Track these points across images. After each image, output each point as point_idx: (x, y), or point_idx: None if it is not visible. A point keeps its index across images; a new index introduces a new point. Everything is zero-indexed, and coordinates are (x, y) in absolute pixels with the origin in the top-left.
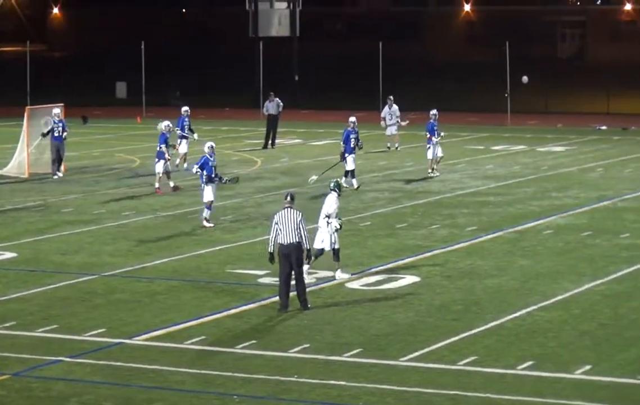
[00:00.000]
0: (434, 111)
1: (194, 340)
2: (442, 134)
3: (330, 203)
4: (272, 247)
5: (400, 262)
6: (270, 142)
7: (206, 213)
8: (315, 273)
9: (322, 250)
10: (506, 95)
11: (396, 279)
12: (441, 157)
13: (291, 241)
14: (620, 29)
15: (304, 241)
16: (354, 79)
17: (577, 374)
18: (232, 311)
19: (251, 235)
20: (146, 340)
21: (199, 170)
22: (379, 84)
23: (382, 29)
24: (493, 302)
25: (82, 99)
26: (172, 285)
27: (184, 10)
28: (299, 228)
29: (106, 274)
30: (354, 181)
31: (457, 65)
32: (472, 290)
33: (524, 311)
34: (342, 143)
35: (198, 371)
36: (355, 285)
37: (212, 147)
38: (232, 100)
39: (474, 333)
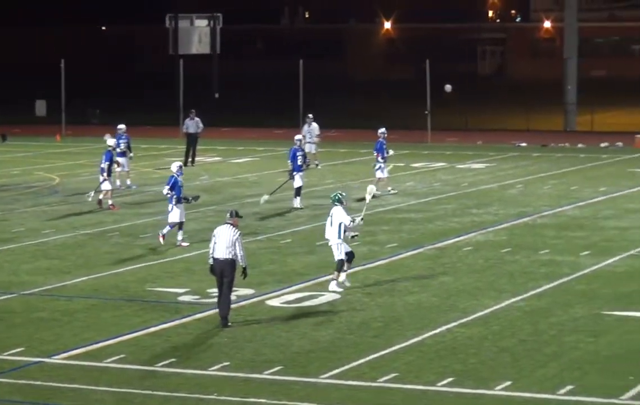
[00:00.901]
0: (383, 129)
1: (113, 358)
2: (390, 151)
3: (341, 215)
4: (211, 259)
5: (321, 280)
6: (190, 160)
7: (179, 235)
8: (236, 290)
9: (342, 261)
10: (426, 112)
11: (317, 297)
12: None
13: (224, 257)
14: (540, 46)
15: (240, 259)
16: (275, 97)
17: (497, 390)
18: (152, 329)
19: (171, 254)
20: (65, 359)
21: (169, 191)
22: (299, 102)
23: (302, 47)
24: (414, 319)
25: (1, 117)
26: (91, 304)
27: (103, 27)
28: (234, 246)
29: (25, 292)
30: (297, 200)
31: (377, 82)
32: (393, 307)
33: (444, 328)
34: (289, 161)
35: (118, 390)
36: (275, 302)
37: (180, 166)
38: (152, 118)
39: (395, 350)
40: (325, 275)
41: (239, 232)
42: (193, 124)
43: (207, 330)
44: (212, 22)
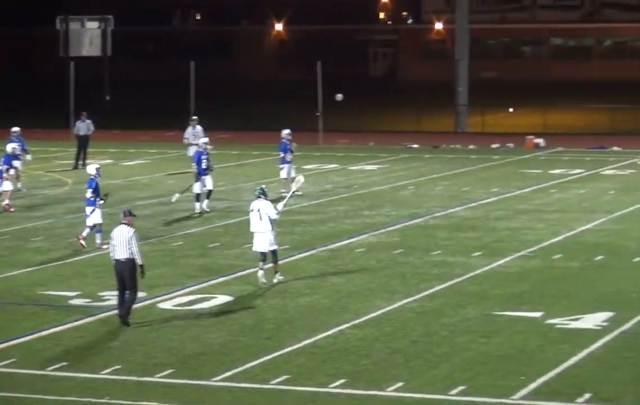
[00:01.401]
0: (288, 131)
1: (4, 363)
2: (294, 145)
3: (269, 207)
4: (113, 261)
5: (213, 282)
6: (81, 162)
7: (98, 237)
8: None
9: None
10: (318, 114)
11: (209, 299)
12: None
13: (122, 257)
14: (431, 48)
15: (137, 256)
16: (167, 99)
17: (389, 391)
18: (43, 333)
19: (62, 257)
20: None
21: (92, 194)
22: (190, 104)
23: (194, 48)
24: (306, 321)
25: None
26: None
27: None
28: (130, 244)
29: None
30: (202, 204)
31: (268, 84)
32: (285, 309)
33: (336, 329)
34: (194, 164)
35: (8, 394)
36: (167, 305)
37: (98, 168)
38: (43, 120)
39: (287, 352)
40: (217, 278)
41: (133, 230)
42: (84, 126)
43: (99, 333)
44: (103, 24)
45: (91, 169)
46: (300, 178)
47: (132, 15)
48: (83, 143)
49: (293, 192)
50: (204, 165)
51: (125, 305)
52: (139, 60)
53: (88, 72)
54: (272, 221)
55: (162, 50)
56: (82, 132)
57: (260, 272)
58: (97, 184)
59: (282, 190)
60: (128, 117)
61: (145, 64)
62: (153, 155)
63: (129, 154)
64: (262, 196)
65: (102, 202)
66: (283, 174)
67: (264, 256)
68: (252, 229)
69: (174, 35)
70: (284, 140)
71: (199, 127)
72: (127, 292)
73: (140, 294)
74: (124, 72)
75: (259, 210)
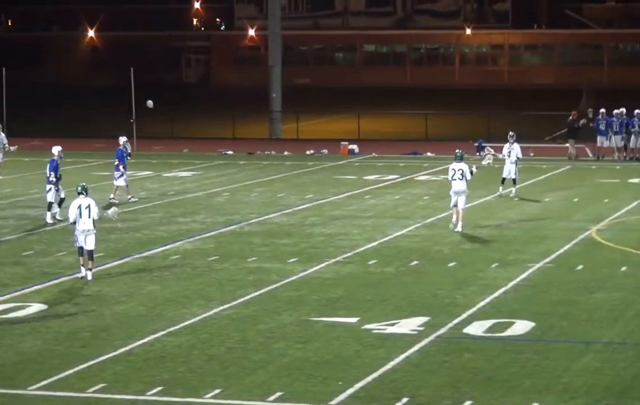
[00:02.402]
0: (124, 138)
1: None
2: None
3: (94, 205)
4: None
5: (27, 290)
6: None
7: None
8: None
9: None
10: (131, 120)
11: (23, 308)
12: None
13: None
14: (245, 54)
15: None
16: None
17: (207, 398)
18: None
19: None
20: None
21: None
22: (2, 111)
23: (4, 55)
24: (121, 328)
25: None
26: None
27: None
28: None
29: None
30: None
31: (81, 90)
32: (101, 317)
33: (152, 337)
34: (50, 172)
35: None
36: None
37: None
38: None
39: (103, 360)
40: (31, 286)
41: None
42: None
43: None
44: None
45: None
46: (116, 209)
47: None
48: None
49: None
50: (56, 176)
51: None
52: None
53: None
54: (95, 221)
55: None
56: None
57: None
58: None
59: (112, 197)
60: None
61: None
62: None
63: None
64: (84, 193)
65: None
66: (120, 182)
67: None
68: (79, 227)
69: None
70: (120, 148)
71: (2, 135)
72: None
73: None
74: None
75: (88, 207)
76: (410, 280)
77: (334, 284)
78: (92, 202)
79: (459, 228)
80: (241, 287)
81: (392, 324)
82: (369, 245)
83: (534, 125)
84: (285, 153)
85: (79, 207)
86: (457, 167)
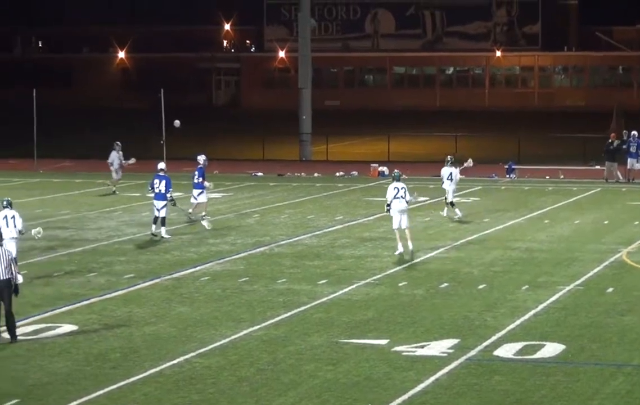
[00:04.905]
0: (204, 156)
1: None
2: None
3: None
4: None
5: (58, 311)
6: None
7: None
8: None
9: None
10: (162, 142)
11: (53, 328)
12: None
13: (2, 278)
14: (275, 76)
15: (14, 277)
16: (10, 127)
17: None
18: None
19: None
20: None
21: None
22: (33, 132)
23: (36, 76)
24: (151, 350)
25: None
26: None
27: None
28: (10, 265)
29: None
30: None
31: (111, 111)
32: (130, 338)
33: (182, 358)
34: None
35: None
36: None
37: None
38: None
39: (133, 381)
40: (61, 307)
41: (12, 251)
42: None
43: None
44: None
45: None
46: (40, 229)
47: None
48: None
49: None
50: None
51: (10, 323)
52: None
53: None
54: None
55: (4, 78)
56: None
57: None
58: None
59: (192, 217)
60: None
61: None
62: None
63: None
64: (10, 207)
65: None
66: (202, 198)
67: None
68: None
69: (16, 62)
70: (201, 166)
71: (120, 153)
72: (5, 311)
73: None
74: None
75: (13, 218)
76: (440, 303)
77: (364, 305)
78: (17, 214)
79: (410, 247)
80: (271, 308)
81: (422, 346)
82: (399, 267)
83: (564, 148)
84: (315, 175)
85: (5, 217)
86: (400, 186)
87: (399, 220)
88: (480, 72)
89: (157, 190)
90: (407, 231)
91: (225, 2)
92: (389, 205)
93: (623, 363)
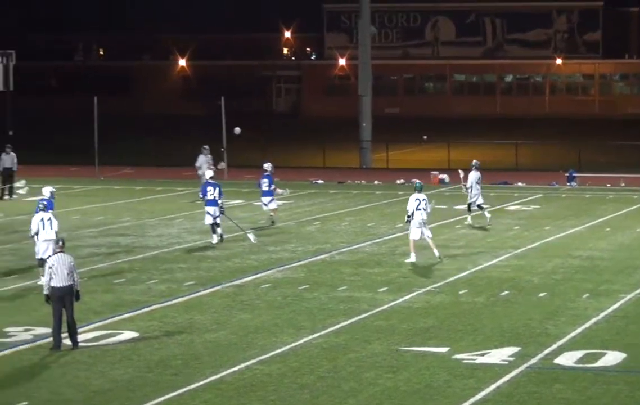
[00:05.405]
0: (270, 164)
1: None
2: (279, 190)
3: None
4: (47, 289)
5: (119, 318)
6: (7, 194)
7: None
8: (32, 329)
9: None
10: (222, 149)
11: (115, 335)
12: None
13: (65, 284)
14: (335, 83)
15: (76, 283)
16: (71, 134)
17: None
18: None
19: None
20: None
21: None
22: (94, 138)
23: (96, 83)
24: (212, 357)
25: None
26: None
27: None
28: (72, 272)
29: None
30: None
31: (171, 119)
32: (191, 345)
33: (243, 365)
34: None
35: None
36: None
37: (53, 191)
38: None
39: (194, 388)
40: (122, 314)
41: (73, 257)
42: (9, 159)
43: (3, 370)
44: (5, 59)
45: (45, 191)
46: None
47: (35, 50)
48: (7, 175)
49: None
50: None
51: (72, 329)
52: (42, 96)
53: None
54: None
55: (65, 86)
56: (7, 165)
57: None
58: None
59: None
60: (32, 152)
61: (49, 99)
62: (58, 191)
63: (33, 189)
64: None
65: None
66: (273, 205)
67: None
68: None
69: (76, 70)
70: (268, 173)
71: (209, 156)
72: (67, 318)
73: (45, 330)
74: (27, 107)
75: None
76: (501, 310)
77: (424, 313)
78: (53, 216)
79: (437, 253)
80: (331, 316)
81: (483, 354)
82: (459, 275)
83: (624, 155)
84: (376, 182)
85: (42, 219)
86: (422, 197)
87: (420, 231)
88: (540, 79)
89: (210, 197)
90: (429, 241)
91: (286, 10)
92: (409, 216)
93: None
